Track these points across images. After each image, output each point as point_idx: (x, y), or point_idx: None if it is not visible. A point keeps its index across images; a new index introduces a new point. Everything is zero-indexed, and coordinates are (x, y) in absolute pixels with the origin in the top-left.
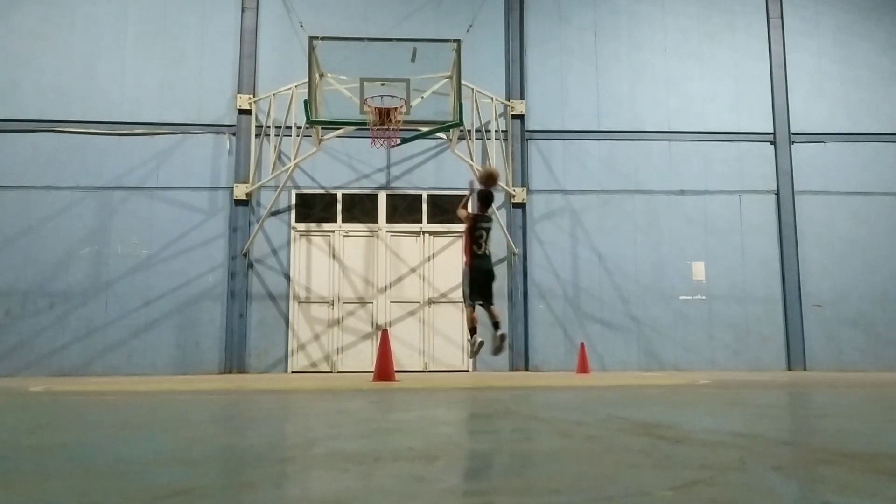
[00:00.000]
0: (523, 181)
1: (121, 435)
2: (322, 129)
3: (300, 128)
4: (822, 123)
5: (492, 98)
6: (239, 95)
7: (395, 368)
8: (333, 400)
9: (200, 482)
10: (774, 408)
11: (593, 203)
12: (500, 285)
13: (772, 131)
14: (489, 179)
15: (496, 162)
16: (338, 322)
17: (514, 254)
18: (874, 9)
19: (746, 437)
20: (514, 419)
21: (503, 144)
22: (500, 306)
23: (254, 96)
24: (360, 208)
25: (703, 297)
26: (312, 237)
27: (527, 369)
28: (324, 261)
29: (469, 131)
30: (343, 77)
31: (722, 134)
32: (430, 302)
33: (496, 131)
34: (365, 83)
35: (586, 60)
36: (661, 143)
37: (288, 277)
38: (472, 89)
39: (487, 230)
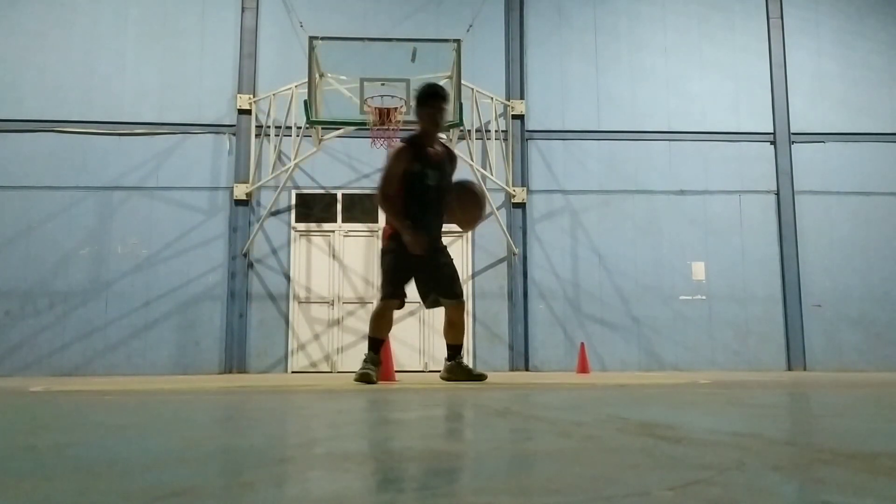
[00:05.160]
0: (523, 181)
1: (121, 435)
2: (322, 129)
3: (300, 128)
4: (822, 123)
5: (492, 98)
6: (239, 95)
7: (395, 368)
8: (333, 400)
9: (200, 482)
10: (774, 408)
11: (593, 203)
12: (500, 285)
13: (772, 131)
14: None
15: (496, 162)
16: (338, 322)
17: (514, 254)
18: (874, 9)
19: (746, 437)
20: (514, 419)
21: (503, 144)
22: (500, 306)
23: (254, 96)
24: (360, 208)
25: (703, 297)
26: (312, 237)
27: (527, 369)
28: (324, 261)
29: (469, 131)
30: (343, 77)
31: (722, 134)
32: None
33: (496, 131)
34: (365, 83)
35: (586, 60)
36: (661, 143)
37: (288, 277)
38: (472, 89)
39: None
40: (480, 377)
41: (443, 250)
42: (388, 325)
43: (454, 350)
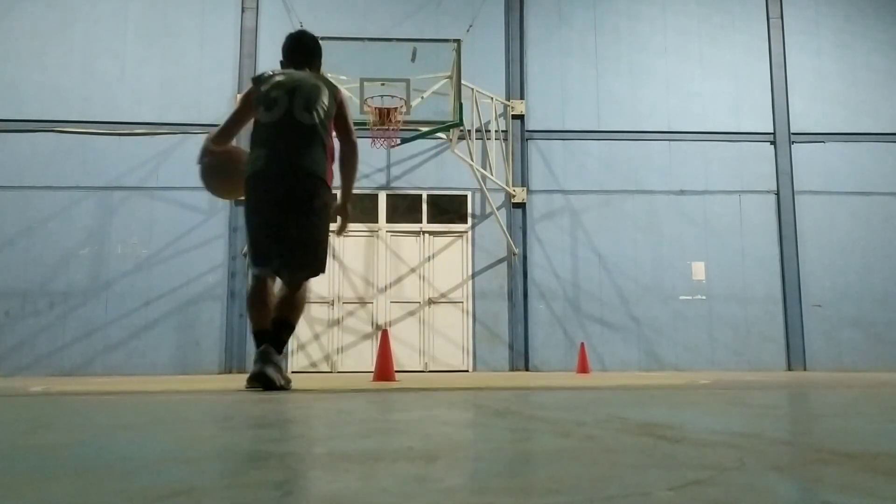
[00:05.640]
0: (523, 181)
1: (121, 435)
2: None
3: None
4: (822, 123)
5: (492, 98)
6: (239, 95)
7: (395, 368)
8: (333, 400)
9: (200, 482)
10: (774, 408)
11: (593, 203)
12: (500, 285)
13: (772, 131)
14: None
15: (496, 162)
16: (338, 322)
17: (514, 254)
18: (874, 9)
19: (746, 437)
20: (514, 419)
21: (503, 144)
22: (500, 306)
23: None
24: (360, 208)
25: (703, 297)
26: None
27: (527, 369)
28: None
29: (469, 131)
30: (343, 77)
31: (722, 134)
32: (430, 302)
33: (496, 131)
34: (365, 83)
35: (586, 60)
36: (661, 143)
37: None
38: (472, 89)
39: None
40: (267, 382)
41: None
42: (260, 308)
43: (280, 330)
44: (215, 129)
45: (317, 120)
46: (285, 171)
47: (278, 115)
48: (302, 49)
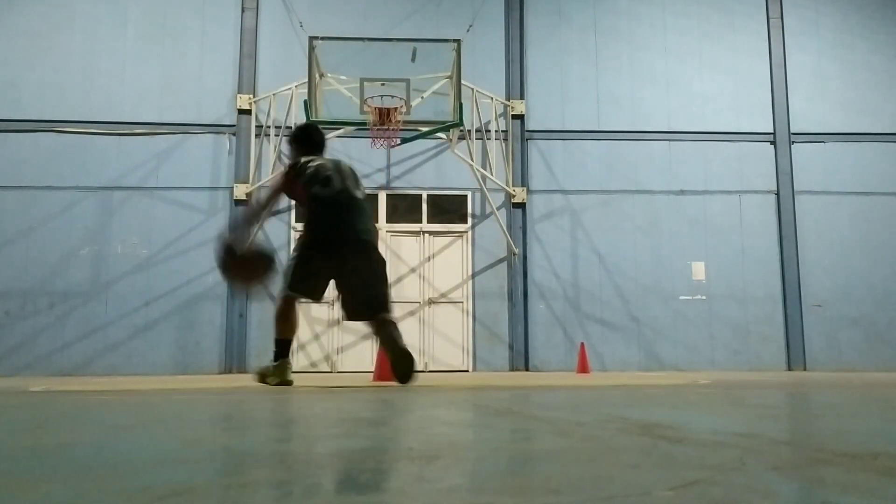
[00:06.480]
0: (523, 181)
1: (121, 435)
2: (322, 128)
3: None
4: (822, 123)
5: (492, 98)
6: (239, 95)
7: None
8: (333, 400)
9: (200, 482)
10: (774, 408)
11: (593, 203)
12: (500, 285)
13: (772, 131)
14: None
15: (496, 162)
16: (338, 322)
17: (514, 254)
18: (874, 9)
19: (746, 437)
20: (514, 419)
21: (503, 144)
22: (500, 306)
23: (254, 96)
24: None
25: (703, 297)
26: None
27: (527, 369)
28: None
29: (469, 131)
30: (343, 77)
31: (722, 134)
32: (430, 302)
33: (496, 131)
34: (365, 83)
35: (586, 60)
36: (661, 143)
37: None
38: (472, 89)
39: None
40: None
41: None
42: (287, 321)
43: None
44: (244, 216)
45: (364, 195)
46: (350, 237)
47: (336, 190)
48: (320, 138)
